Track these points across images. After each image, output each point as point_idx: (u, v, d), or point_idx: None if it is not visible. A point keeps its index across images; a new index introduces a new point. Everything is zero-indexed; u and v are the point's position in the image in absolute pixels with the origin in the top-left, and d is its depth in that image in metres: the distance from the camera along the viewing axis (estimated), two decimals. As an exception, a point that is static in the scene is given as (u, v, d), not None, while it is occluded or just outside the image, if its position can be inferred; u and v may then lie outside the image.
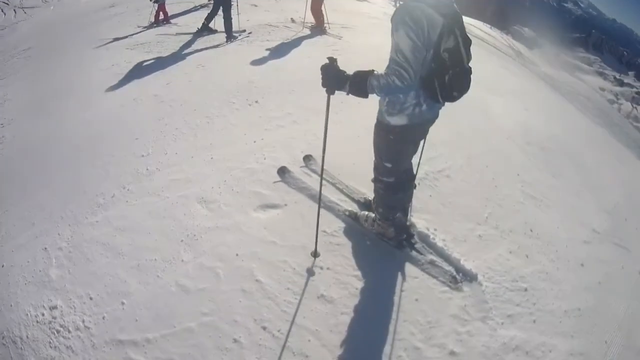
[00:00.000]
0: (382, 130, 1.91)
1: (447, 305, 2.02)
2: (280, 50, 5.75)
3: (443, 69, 1.66)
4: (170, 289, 2.00)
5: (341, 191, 2.62)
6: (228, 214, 2.42)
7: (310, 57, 5.29)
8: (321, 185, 2.10)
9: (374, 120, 1.95)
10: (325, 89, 1.78)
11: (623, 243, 3.04)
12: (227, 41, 6.33)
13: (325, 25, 7.12)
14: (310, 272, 2.07)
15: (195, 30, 6.88)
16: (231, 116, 3.59)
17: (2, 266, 2.32)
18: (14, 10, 11.25)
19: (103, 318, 1.91)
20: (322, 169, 2.08)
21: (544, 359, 1.93)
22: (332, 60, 1.74)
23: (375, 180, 2.13)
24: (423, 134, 2.00)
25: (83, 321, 1.91)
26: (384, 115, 1.85)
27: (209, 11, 6.87)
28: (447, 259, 2.26)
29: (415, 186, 2.71)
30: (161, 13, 7.89)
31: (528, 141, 4.12)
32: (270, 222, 2.36)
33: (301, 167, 2.82)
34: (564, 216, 3.04)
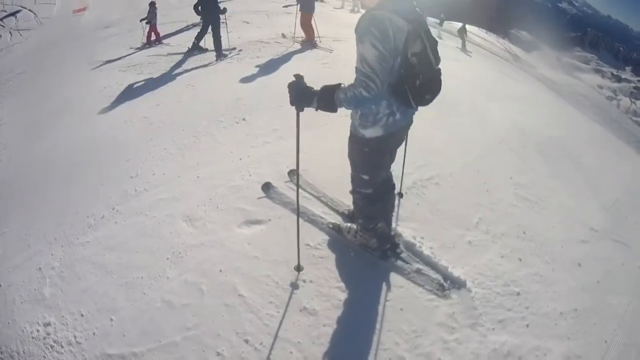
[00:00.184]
0: (357, 143, 1.88)
1: (433, 314, 1.98)
2: (269, 67, 5.83)
3: (413, 74, 1.65)
4: (156, 304, 2.05)
5: (325, 204, 2.63)
6: (212, 231, 2.47)
7: (300, 71, 5.41)
8: (298, 199, 2.12)
9: None
10: (293, 106, 1.78)
11: (623, 239, 2.97)
12: (217, 59, 6.46)
13: (316, 39, 7.19)
14: (293, 286, 2.08)
15: (186, 49, 7.05)
16: (218, 135, 3.67)
17: (0, 285, 2.42)
18: (10, 32, 11.41)
19: (93, 334, 1.98)
20: (298, 185, 2.13)
21: (538, 363, 1.88)
22: (299, 78, 1.74)
23: (353, 192, 2.10)
24: (399, 142, 2.01)
25: (75, 337, 1.99)
26: (357, 128, 1.83)
27: (199, 30, 7.04)
28: (434, 267, 2.21)
29: (402, 195, 2.71)
30: (153, 34, 8.09)
31: (524, 144, 4.09)
32: (253, 238, 2.38)
33: (286, 182, 2.85)
34: (560, 217, 2.98)
